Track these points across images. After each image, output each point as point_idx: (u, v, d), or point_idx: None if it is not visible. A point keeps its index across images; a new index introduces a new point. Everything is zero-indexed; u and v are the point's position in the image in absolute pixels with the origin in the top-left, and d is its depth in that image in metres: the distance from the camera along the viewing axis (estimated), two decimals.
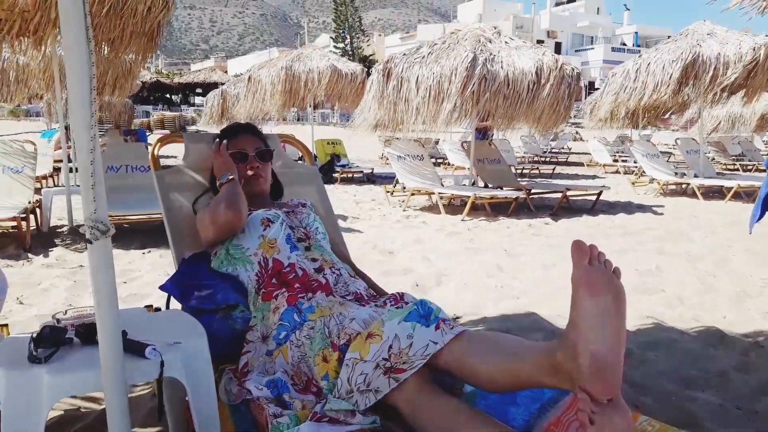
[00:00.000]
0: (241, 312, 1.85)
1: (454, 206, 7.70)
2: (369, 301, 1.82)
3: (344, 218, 6.65)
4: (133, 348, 1.33)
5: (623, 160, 15.05)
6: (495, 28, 7.71)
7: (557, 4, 64.58)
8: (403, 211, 7.46)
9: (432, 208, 7.61)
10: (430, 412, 1.29)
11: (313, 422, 1.35)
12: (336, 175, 11.21)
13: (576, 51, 54.25)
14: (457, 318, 3.15)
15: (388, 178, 10.72)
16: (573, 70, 7.34)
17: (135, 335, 1.39)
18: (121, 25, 5.10)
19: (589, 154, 16.49)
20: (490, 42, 7.23)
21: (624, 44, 56.90)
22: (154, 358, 1.32)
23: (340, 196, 8.73)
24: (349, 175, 11.72)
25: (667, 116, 12.03)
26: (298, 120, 27.65)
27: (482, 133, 10.47)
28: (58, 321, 1.49)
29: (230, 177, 2.00)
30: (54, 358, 1.32)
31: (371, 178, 11.62)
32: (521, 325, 3.07)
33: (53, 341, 1.37)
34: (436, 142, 16.65)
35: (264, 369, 1.63)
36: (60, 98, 6.62)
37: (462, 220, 6.66)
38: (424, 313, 1.42)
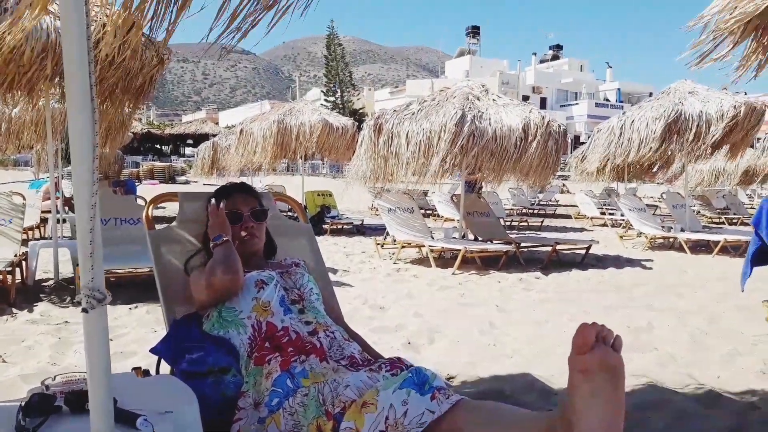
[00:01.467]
0: (233, 376, 1.81)
1: (444, 259, 7.71)
2: (363, 365, 1.79)
3: (334, 271, 6.63)
4: (124, 418, 1.29)
5: (610, 213, 15.25)
6: (483, 86, 7.93)
7: (542, 62, 66.74)
8: (394, 263, 7.45)
9: (422, 261, 7.61)
10: None
11: None
12: (326, 226, 11.23)
13: (561, 106, 55.66)
14: (451, 378, 3.10)
15: (378, 230, 10.76)
16: (559, 126, 7.53)
17: (124, 402, 1.35)
18: (115, 80, 5.20)
19: (577, 206, 16.71)
20: (479, 99, 7.42)
21: (607, 100, 58.53)
22: (145, 429, 1.28)
23: (329, 248, 8.71)
24: (339, 227, 11.74)
25: (653, 170, 12.28)
26: (288, 170, 27.86)
27: (471, 186, 10.60)
28: (47, 387, 1.45)
29: (225, 239, 1.98)
30: (43, 428, 1.28)
31: (361, 230, 11.65)
32: (515, 386, 3.03)
33: (42, 410, 1.33)
34: (425, 193, 16.81)
35: None
36: (51, 150, 6.64)
37: (453, 274, 6.66)
38: (420, 381, 1.41)
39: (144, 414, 1.31)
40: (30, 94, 6.19)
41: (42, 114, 9.12)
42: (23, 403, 1.32)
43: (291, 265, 2.20)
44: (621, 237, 10.65)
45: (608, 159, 10.15)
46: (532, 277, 6.57)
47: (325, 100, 55.12)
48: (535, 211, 17.68)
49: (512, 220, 14.21)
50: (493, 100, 7.55)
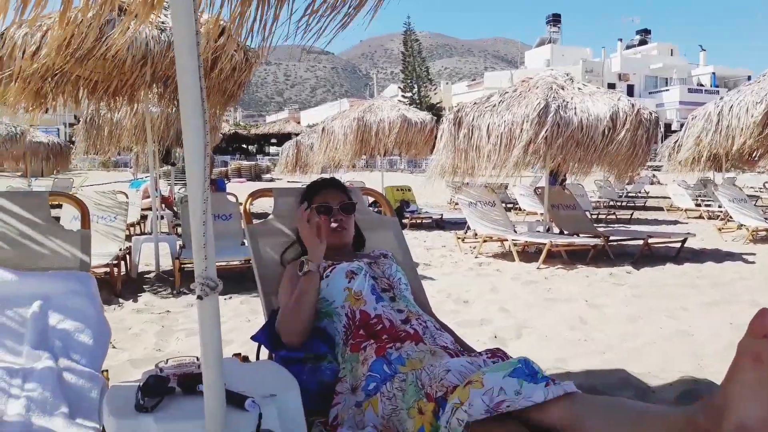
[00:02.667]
0: (329, 363, 1.87)
1: (528, 253, 7.55)
2: (458, 355, 1.79)
3: (416, 265, 6.65)
4: (233, 399, 1.37)
5: (706, 205, 14.35)
6: (567, 74, 7.68)
7: (628, 47, 63.65)
8: (475, 258, 7.39)
9: (505, 255, 7.49)
10: None
11: None
12: (405, 221, 11.29)
13: (650, 93, 52.95)
14: None
15: (458, 224, 10.69)
16: (651, 114, 7.17)
17: (230, 385, 1.43)
18: (209, 83, 5.47)
19: (669, 198, 15.85)
20: (563, 89, 7.19)
21: (701, 85, 55.09)
22: (252, 410, 1.35)
23: (410, 242, 8.66)
24: (419, 221, 11.77)
25: (754, 158, 11.45)
26: (366, 166, 28.19)
27: (555, 178, 10.30)
28: (161, 370, 1.56)
29: (307, 269, 1.94)
30: (159, 408, 1.38)
31: (440, 224, 11.62)
32: (609, 383, 2.93)
33: (158, 391, 1.43)
34: (505, 187, 16.51)
35: (354, 422, 1.63)
36: (150, 151, 7.06)
37: (538, 268, 6.51)
38: (530, 372, 1.38)
39: (251, 396, 1.38)
40: (131, 100, 6.64)
41: (140, 118, 9.76)
42: (141, 384, 1.43)
43: (379, 256, 2.25)
44: (719, 230, 10.01)
45: (704, 147, 9.57)
46: (623, 272, 6.31)
47: (402, 96, 55.27)
48: (624, 204, 16.92)
49: (599, 213, 13.67)
50: (579, 88, 7.30)
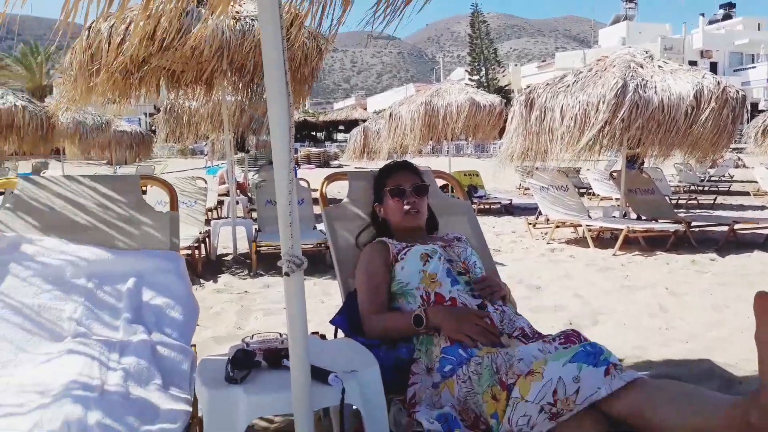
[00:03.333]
0: (405, 343, 1.90)
1: (603, 239, 7.31)
2: (534, 339, 1.78)
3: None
4: (317, 374, 1.42)
5: None
6: (647, 52, 7.31)
7: (710, 23, 59.88)
8: (547, 244, 7.23)
9: (578, 242, 7.29)
10: None
11: None
12: (473, 206, 11.14)
13: (735, 71, 49.68)
14: (620, 361, 2.96)
15: (527, 210, 10.47)
16: (737, 92, 6.74)
17: (313, 361, 1.48)
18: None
19: (756, 182, 14.88)
20: (642, 67, 6.86)
21: None
22: (336, 385, 1.40)
23: None
24: (487, 206, 11.61)
25: None
26: (433, 152, 28.03)
27: (632, 162, 9.89)
28: (247, 345, 1.63)
29: (421, 330, 1.83)
30: (247, 380, 1.45)
31: (509, 210, 11.42)
32: (692, 372, 2.82)
33: (246, 364, 1.51)
34: (578, 171, 16.00)
35: (431, 401, 1.65)
36: (227, 139, 7.28)
37: (614, 255, 6.30)
38: (593, 353, 1.37)
39: (335, 372, 1.43)
40: (208, 88, 6.89)
41: (215, 106, 10.11)
42: (230, 357, 1.50)
43: (453, 240, 2.24)
44: None
45: None
46: (706, 259, 6.01)
47: (470, 79, 54.41)
48: (706, 189, 16.03)
49: (679, 198, 13.03)
50: (659, 66, 6.94)
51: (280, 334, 1.68)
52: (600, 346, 1.41)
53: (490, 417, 1.45)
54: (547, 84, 7.28)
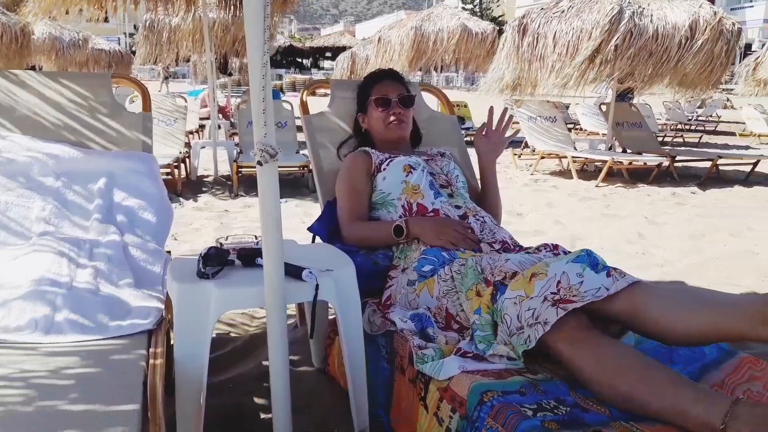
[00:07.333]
0: (384, 250, 1.88)
1: (587, 172, 7.31)
2: (516, 251, 1.77)
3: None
4: (291, 271, 1.40)
5: None
6: None
7: None
8: (531, 174, 7.22)
9: (563, 173, 7.28)
10: (594, 349, 1.23)
11: (458, 356, 1.35)
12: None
13: (732, 9, 48.67)
14: None
15: (514, 142, 10.38)
16: (734, 24, 6.59)
17: (288, 261, 1.45)
18: None
19: (743, 123, 14.86)
20: None
21: None
22: (310, 280, 1.38)
23: None
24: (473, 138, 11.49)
25: None
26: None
27: (621, 96, 9.77)
28: (221, 245, 1.60)
29: (401, 239, 1.81)
30: (220, 275, 1.43)
31: None
32: None
33: (218, 261, 1.47)
34: (567, 107, 15.83)
35: (407, 303, 1.65)
36: (209, 60, 7.01)
37: (597, 186, 6.31)
38: (592, 262, 1.35)
39: (309, 268, 1.40)
40: (188, 3, 6.58)
41: (197, 24, 9.68)
42: (203, 254, 1.47)
43: (437, 154, 2.20)
44: None
45: None
46: (687, 192, 6.05)
47: (463, 8, 52.75)
48: (693, 127, 16.00)
49: (665, 135, 13.00)
50: None
51: (256, 237, 1.64)
52: (596, 256, 1.40)
53: (473, 312, 1.43)
54: (542, 9, 7.05)
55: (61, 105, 2.07)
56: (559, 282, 1.29)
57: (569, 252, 1.56)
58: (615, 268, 1.33)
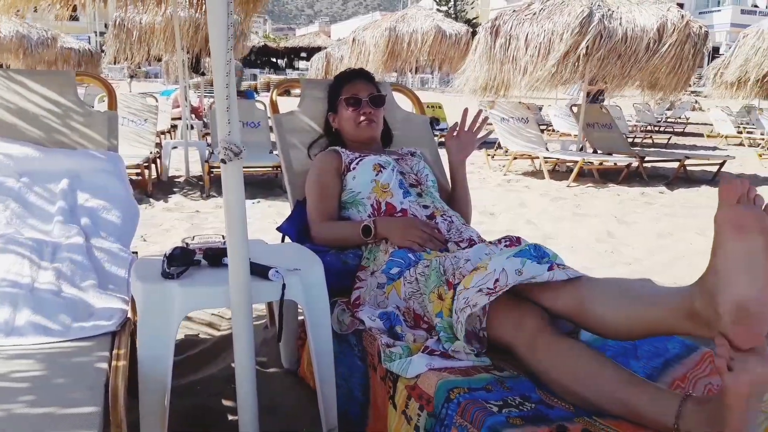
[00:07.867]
0: (353, 250, 1.88)
1: (559, 172, 7.41)
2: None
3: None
4: (257, 270, 1.38)
5: (748, 132, 13.79)
6: None
7: None
8: (504, 175, 7.28)
9: (535, 174, 7.37)
10: (550, 352, 1.24)
11: (425, 354, 1.36)
12: (435, 138, 11.09)
13: (700, 13, 49.81)
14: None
15: (487, 143, 10.45)
16: (700, 28, 6.74)
17: (255, 261, 1.44)
18: None
19: (710, 125, 15.21)
20: None
21: (756, 6, 51.51)
22: (276, 280, 1.37)
23: None
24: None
25: None
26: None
27: (592, 98, 9.93)
28: (187, 245, 1.58)
29: (369, 240, 1.81)
30: (185, 275, 1.41)
31: None
32: None
33: (184, 261, 1.45)
34: (540, 109, 16.01)
35: (376, 303, 1.65)
36: (180, 59, 6.93)
37: (568, 186, 6.40)
38: (537, 255, 1.35)
39: (276, 267, 1.39)
40: (159, 1, 6.48)
41: (168, 22, 9.54)
42: (167, 254, 1.44)
43: (407, 154, 2.20)
44: (760, 156, 9.66)
45: (753, 67, 9.03)
46: (655, 192, 6.17)
47: (437, 9, 53.01)
48: (662, 129, 16.32)
49: (635, 137, 13.24)
50: None
51: (223, 237, 1.62)
52: (544, 250, 1.40)
53: (435, 316, 1.44)
54: (514, 11, 7.13)
55: (24, 104, 2.02)
56: (497, 280, 1.29)
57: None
58: (560, 264, 1.33)
